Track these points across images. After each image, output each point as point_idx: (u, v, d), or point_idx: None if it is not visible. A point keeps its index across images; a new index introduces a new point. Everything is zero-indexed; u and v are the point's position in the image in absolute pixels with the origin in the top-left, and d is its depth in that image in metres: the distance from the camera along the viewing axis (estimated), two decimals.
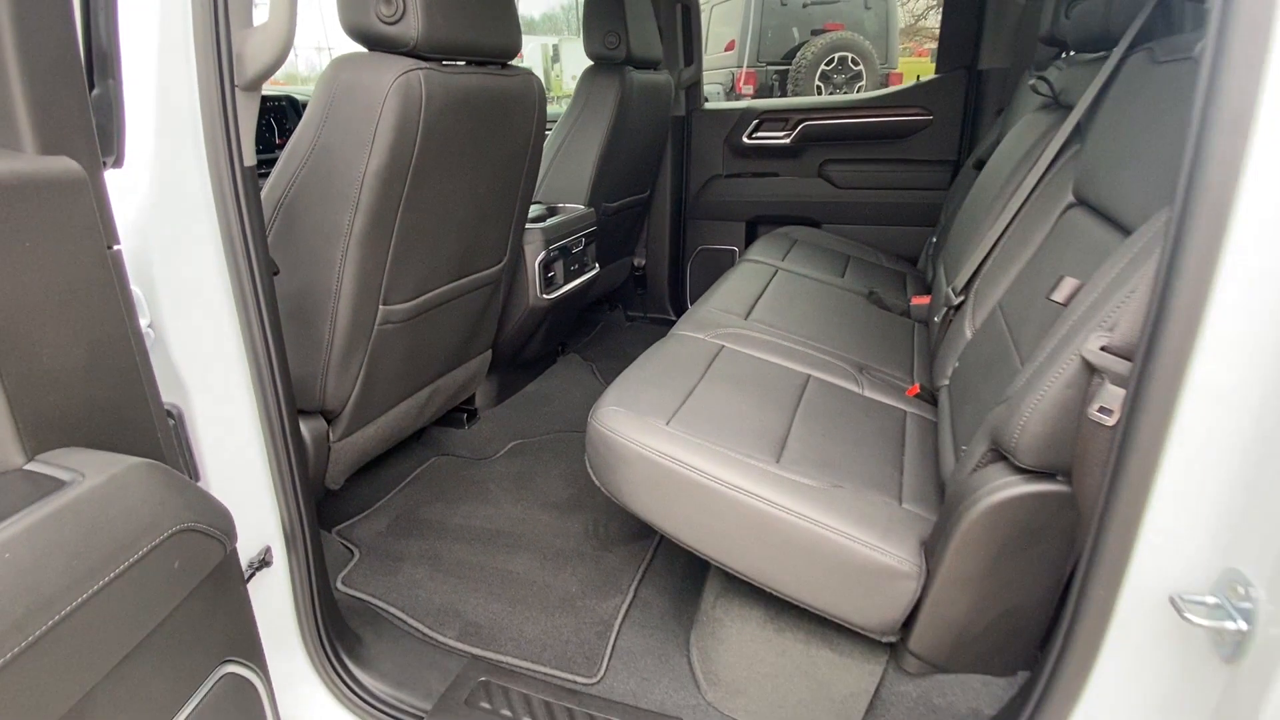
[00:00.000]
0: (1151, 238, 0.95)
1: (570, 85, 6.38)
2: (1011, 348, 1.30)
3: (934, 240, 2.65)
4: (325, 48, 8.70)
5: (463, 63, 1.54)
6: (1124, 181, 1.22)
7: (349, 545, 1.72)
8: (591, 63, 2.59)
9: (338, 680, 1.26)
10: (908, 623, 1.17)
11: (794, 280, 2.28)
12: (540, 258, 2.18)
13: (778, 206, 3.19)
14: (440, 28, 1.40)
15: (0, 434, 0.61)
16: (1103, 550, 0.85)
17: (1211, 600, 0.78)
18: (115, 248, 0.70)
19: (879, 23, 8.40)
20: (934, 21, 10.24)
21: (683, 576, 1.59)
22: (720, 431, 1.28)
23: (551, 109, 2.35)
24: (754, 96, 8.24)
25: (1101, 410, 0.87)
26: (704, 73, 3.27)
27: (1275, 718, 0.70)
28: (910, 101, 2.97)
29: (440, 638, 1.44)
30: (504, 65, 1.70)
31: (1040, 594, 1.11)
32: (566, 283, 2.36)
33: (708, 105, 3.27)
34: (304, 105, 2.71)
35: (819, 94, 7.99)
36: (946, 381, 1.60)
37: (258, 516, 1.15)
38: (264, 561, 1.14)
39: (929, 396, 1.68)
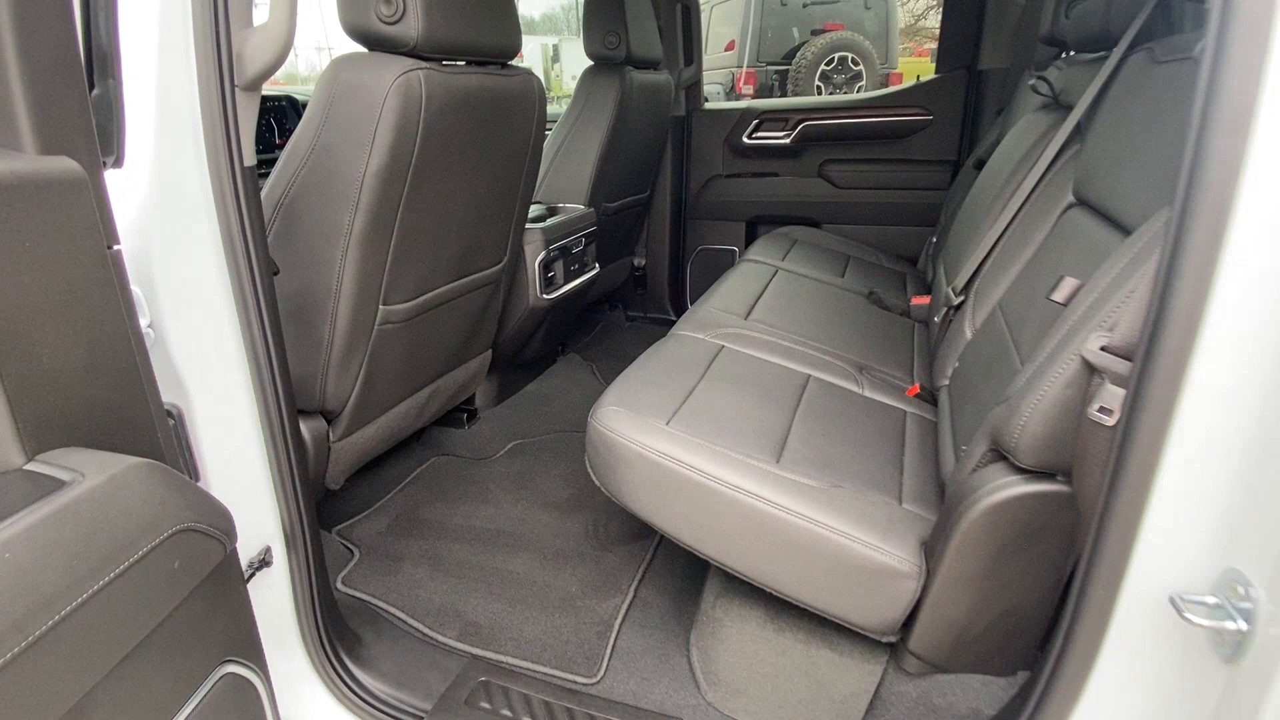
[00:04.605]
0: (1151, 238, 0.95)
1: (570, 85, 6.38)
2: (1011, 348, 1.30)
3: (934, 240, 2.65)
4: (325, 48, 8.70)
5: (463, 63, 1.54)
6: (1124, 181, 1.22)
7: (349, 545, 1.72)
8: (591, 63, 2.59)
9: (338, 680, 1.26)
10: (908, 623, 1.17)
11: (794, 280, 2.28)
12: (540, 258, 2.18)
13: (778, 206, 3.19)
14: (440, 28, 1.40)
15: (0, 434, 0.61)
16: (1103, 550, 0.85)
17: (1211, 600, 0.78)
18: (115, 248, 0.70)
19: (879, 23, 8.40)
20: (934, 21, 10.24)
21: (683, 576, 1.59)
22: (720, 431, 1.28)
23: (551, 109, 2.35)
24: (754, 96, 8.24)
25: (1101, 410, 0.87)
26: (704, 73, 3.27)
27: (1275, 718, 0.70)
28: (910, 101, 2.96)
29: (440, 638, 1.44)
30: (504, 65, 1.70)
31: (1040, 594, 1.11)
32: (566, 283, 2.36)
33: (708, 105, 3.27)
34: (304, 105, 2.71)
35: (819, 94, 7.98)
36: (946, 381, 1.60)
37: (258, 516, 1.15)
38: (264, 561, 1.14)
39: (929, 396, 1.68)
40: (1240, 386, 0.74)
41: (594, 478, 1.33)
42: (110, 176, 0.79)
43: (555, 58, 10.61)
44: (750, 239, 3.24)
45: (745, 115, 3.14)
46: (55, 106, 0.65)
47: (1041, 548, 1.06)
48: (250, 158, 1.02)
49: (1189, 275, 0.74)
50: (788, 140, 3.09)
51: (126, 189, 0.93)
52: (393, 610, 1.51)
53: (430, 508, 1.87)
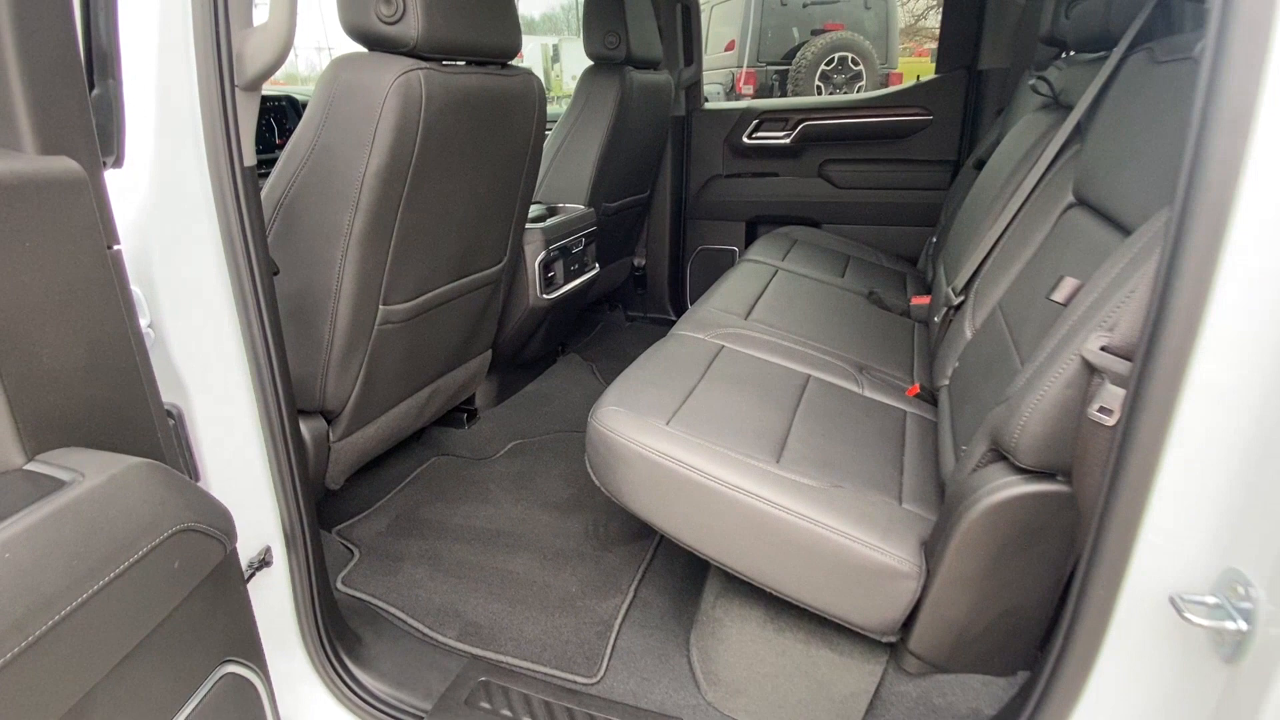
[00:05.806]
0: (1151, 238, 0.95)
1: (570, 85, 6.38)
2: (1011, 348, 1.30)
3: (934, 240, 2.65)
4: (325, 48, 8.71)
5: (463, 63, 1.54)
6: (1124, 181, 1.22)
7: (349, 545, 1.72)
8: (591, 63, 2.59)
9: (338, 680, 1.26)
10: (908, 623, 1.17)
11: (794, 280, 2.28)
12: (540, 258, 2.18)
13: (778, 206, 3.19)
14: (440, 28, 1.40)
15: (0, 434, 0.61)
16: (1103, 550, 0.85)
17: (1211, 600, 0.78)
18: (115, 248, 0.70)
19: (879, 23, 8.40)
20: (934, 21, 10.24)
21: (683, 576, 1.59)
22: (720, 431, 1.28)
23: (551, 109, 2.35)
24: (754, 96, 8.24)
25: (1101, 410, 0.87)
26: (704, 73, 3.27)
27: (1275, 718, 0.70)
28: (910, 101, 2.97)
29: (440, 638, 1.44)
30: (504, 65, 1.70)
31: (1040, 594, 1.11)
32: (566, 283, 2.36)
33: (708, 105, 3.27)
34: (304, 105, 2.71)
35: (819, 94, 7.98)
36: (946, 381, 1.60)
37: (258, 516, 1.15)
38: (264, 561, 1.14)
39: (929, 396, 1.68)
40: (1240, 386, 0.74)
41: (594, 478, 1.33)
42: (110, 176, 0.79)
43: (555, 58, 10.61)
44: (750, 239, 3.24)
45: (745, 115, 3.14)
46: (55, 106, 0.65)
47: (1041, 548, 1.06)
48: (250, 158, 1.02)
49: (1189, 275, 0.74)
50: (788, 140, 3.09)
51: (126, 189, 0.93)
52: (393, 610, 1.51)
53: (430, 508, 1.87)
